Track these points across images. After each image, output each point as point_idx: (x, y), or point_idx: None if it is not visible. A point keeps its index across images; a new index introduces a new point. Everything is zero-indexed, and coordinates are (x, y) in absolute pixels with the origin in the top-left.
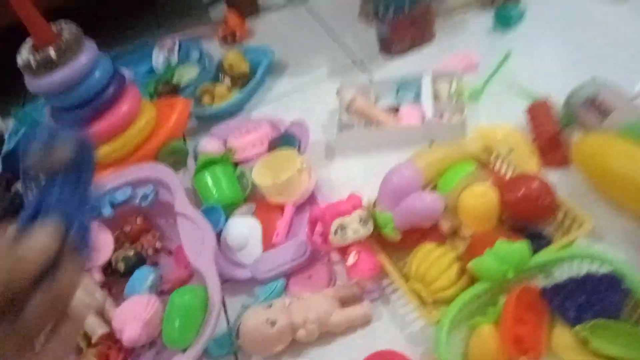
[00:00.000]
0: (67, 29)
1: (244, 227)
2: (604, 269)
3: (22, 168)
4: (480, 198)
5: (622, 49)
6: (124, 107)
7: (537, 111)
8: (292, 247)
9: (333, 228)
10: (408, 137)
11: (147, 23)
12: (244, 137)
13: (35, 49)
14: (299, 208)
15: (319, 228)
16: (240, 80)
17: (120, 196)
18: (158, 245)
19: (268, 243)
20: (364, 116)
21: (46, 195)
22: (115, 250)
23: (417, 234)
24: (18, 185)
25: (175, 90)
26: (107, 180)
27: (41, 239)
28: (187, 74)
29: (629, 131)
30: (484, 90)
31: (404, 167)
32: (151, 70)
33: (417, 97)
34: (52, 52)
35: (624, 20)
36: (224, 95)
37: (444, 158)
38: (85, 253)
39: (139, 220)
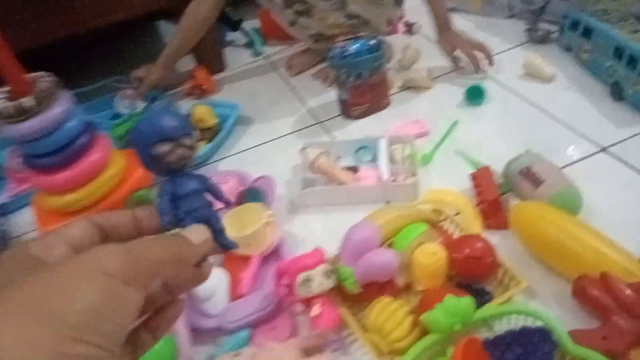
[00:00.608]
0: (44, 79)
1: (212, 278)
2: (537, 323)
3: None
4: (431, 257)
5: (552, 123)
6: (94, 156)
7: (480, 177)
8: (258, 298)
9: (299, 280)
10: (366, 196)
11: (110, 66)
12: None
13: (11, 97)
14: (264, 259)
15: (284, 280)
16: (209, 133)
17: None
18: None
19: (234, 293)
20: (325, 174)
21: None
22: None
23: (374, 288)
24: None
25: None
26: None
27: (202, 232)
28: None
29: (557, 199)
30: (434, 155)
31: (364, 225)
32: (116, 116)
33: (375, 158)
34: (27, 102)
35: (551, 97)
36: None
37: (399, 217)
38: (227, 251)
39: None
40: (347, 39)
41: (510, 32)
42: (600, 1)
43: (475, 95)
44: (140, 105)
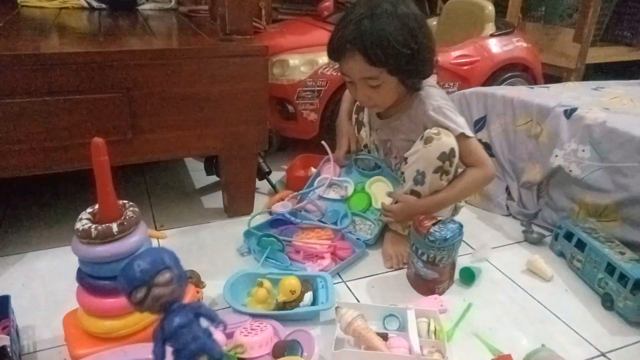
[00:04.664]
0: (130, 209)
1: None
2: None
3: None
4: None
5: (555, 320)
6: None
7: None
8: None
9: None
10: None
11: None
12: (251, 335)
13: (97, 219)
14: None
15: None
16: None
17: None
18: None
19: None
20: (359, 337)
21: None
22: None
23: None
24: None
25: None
26: (114, 355)
27: None
28: None
29: None
30: (453, 334)
31: None
32: None
33: (401, 327)
34: (115, 228)
35: (552, 296)
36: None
37: None
38: None
39: None
40: (434, 223)
41: (510, 228)
42: (588, 220)
43: (467, 276)
44: None
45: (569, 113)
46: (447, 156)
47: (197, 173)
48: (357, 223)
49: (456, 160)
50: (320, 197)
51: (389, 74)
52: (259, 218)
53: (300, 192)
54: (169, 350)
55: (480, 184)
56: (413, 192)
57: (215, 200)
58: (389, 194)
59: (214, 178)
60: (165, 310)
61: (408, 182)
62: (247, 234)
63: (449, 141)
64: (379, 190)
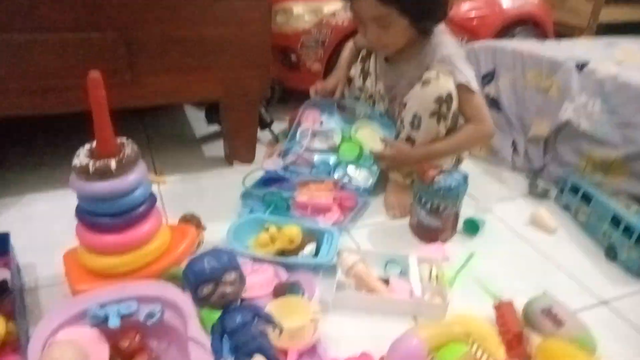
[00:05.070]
0: (129, 145)
1: None
2: None
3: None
4: None
5: (556, 271)
6: (146, 226)
7: (504, 310)
8: None
9: None
10: (397, 308)
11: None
12: (251, 276)
13: (95, 155)
14: (300, 355)
15: None
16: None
17: (124, 309)
18: None
19: None
20: (361, 281)
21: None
22: None
23: None
24: None
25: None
26: (115, 291)
27: None
28: None
29: (578, 342)
30: (455, 280)
31: (410, 338)
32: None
33: (403, 273)
34: (112, 164)
35: (554, 248)
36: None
37: (442, 335)
38: None
39: (137, 338)
40: (438, 173)
41: (514, 182)
42: (595, 174)
43: (471, 227)
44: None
45: (580, 67)
46: (443, 100)
47: (198, 122)
48: (352, 171)
49: (454, 105)
50: (307, 149)
51: (399, 14)
52: (250, 181)
53: (284, 146)
54: None
55: (477, 140)
56: (409, 139)
57: (216, 148)
58: (383, 140)
59: (214, 127)
60: (224, 307)
61: (406, 128)
62: (245, 196)
63: (446, 84)
64: (368, 136)
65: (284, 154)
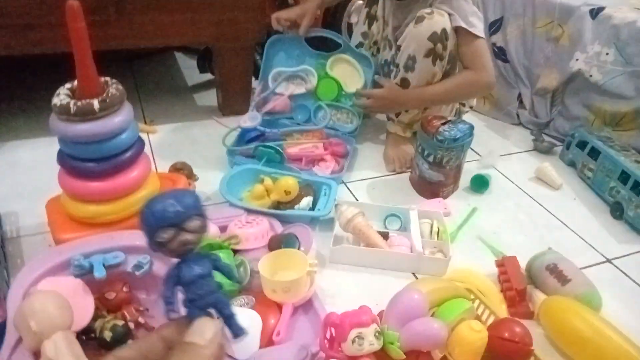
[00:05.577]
0: (114, 85)
1: (245, 319)
2: None
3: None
4: (475, 334)
5: (562, 227)
6: (134, 173)
7: (507, 266)
8: (294, 349)
9: (351, 336)
10: (397, 263)
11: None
12: (245, 228)
13: (77, 95)
14: (295, 310)
15: (329, 333)
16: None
17: (111, 259)
18: (141, 320)
19: (264, 339)
20: (360, 235)
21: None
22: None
23: (412, 356)
24: None
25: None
26: (100, 240)
27: (209, 327)
28: None
29: (583, 299)
30: (457, 236)
31: (411, 291)
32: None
33: (403, 228)
34: (95, 104)
35: (559, 203)
36: None
37: (443, 290)
38: (239, 339)
39: (125, 289)
40: (443, 123)
41: (518, 137)
42: (604, 129)
43: (479, 184)
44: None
45: (595, 12)
46: (438, 37)
47: (190, 70)
48: (333, 114)
49: (450, 44)
50: (281, 94)
51: None
52: (230, 140)
53: (257, 97)
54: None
55: (475, 89)
56: (403, 81)
57: (209, 97)
58: (377, 79)
59: (207, 76)
60: (181, 256)
61: (401, 71)
62: (231, 153)
63: (441, 21)
64: (345, 72)
65: (259, 106)
